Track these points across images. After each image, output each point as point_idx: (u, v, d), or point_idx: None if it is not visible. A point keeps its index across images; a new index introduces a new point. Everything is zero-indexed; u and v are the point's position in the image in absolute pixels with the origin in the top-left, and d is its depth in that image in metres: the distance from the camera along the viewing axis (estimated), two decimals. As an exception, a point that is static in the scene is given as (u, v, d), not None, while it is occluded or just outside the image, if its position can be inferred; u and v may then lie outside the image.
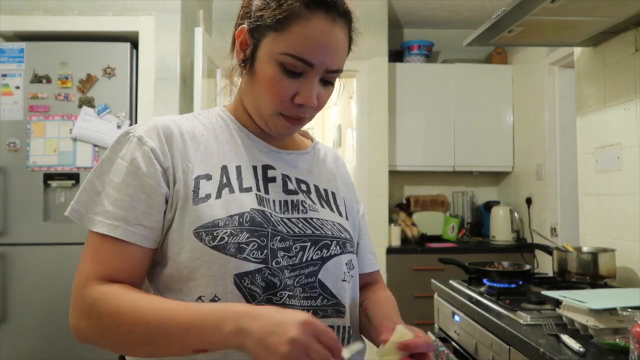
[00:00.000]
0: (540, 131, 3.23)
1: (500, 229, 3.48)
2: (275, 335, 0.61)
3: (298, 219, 0.82)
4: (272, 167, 0.85)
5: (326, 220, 0.85)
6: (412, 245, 3.41)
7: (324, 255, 0.81)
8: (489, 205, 3.65)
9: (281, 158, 0.88)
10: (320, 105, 0.82)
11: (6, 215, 2.44)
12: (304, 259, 0.79)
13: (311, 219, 0.84)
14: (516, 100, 3.60)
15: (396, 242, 3.38)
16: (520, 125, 3.57)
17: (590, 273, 1.73)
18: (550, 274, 1.97)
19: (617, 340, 1.14)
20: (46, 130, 2.47)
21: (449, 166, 3.61)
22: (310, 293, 0.78)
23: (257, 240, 0.75)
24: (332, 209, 0.89)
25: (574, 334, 1.25)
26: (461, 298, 1.75)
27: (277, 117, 0.81)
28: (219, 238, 0.74)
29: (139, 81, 2.55)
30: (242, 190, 0.79)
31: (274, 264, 0.76)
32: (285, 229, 0.80)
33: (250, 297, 0.73)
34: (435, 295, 2.08)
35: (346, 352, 0.66)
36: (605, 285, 1.73)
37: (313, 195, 0.88)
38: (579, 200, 2.09)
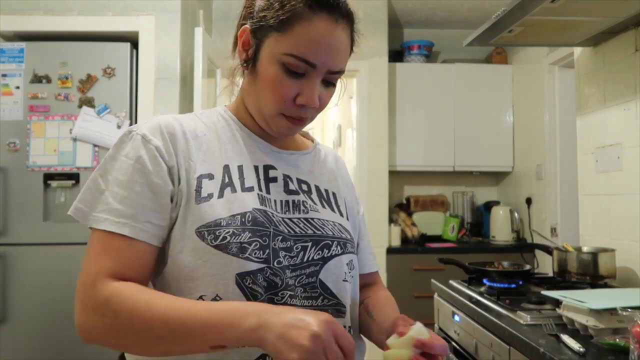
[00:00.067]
0: (540, 131, 3.23)
1: (500, 229, 3.48)
2: (298, 329, 0.61)
3: (299, 219, 0.82)
4: (273, 167, 0.85)
5: (327, 221, 0.85)
6: (412, 245, 3.41)
7: (325, 256, 0.81)
8: (489, 205, 3.65)
9: (282, 158, 0.88)
10: (322, 106, 0.82)
11: (6, 215, 2.43)
12: (305, 259, 0.79)
13: (312, 219, 0.84)
14: (516, 100, 3.60)
15: (396, 242, 3.38)
16: (520, 125, 3.56)
17: (590, 273, 1.73)
18: (550, 274, 1.97)
19: (617, 340, 1.15)
20: (46, 130, 2.47)
21: (449, 166, 3.61)
22: (311, 293, 0.78)
23: (259, 240, 0.75)
24: (333, 210, 0.89)
25: (574, 334, 1.25)
26: (461, 298, 1.76)
27: (278, 117, 0.81)
28: (221, 237, 0.73)
29: (139, 81, 2.55)
30: (244, 189, 0.79)
31: (275, 263, 0.76)
32: (287, 229, 0.80)
33: (251, 297, 0.73)
34: (435, 295, 2.08)
35: None
36: (605, 285, 1.73)
37: (314, 196, 0.88)
38: (579, 200, 2.09)
